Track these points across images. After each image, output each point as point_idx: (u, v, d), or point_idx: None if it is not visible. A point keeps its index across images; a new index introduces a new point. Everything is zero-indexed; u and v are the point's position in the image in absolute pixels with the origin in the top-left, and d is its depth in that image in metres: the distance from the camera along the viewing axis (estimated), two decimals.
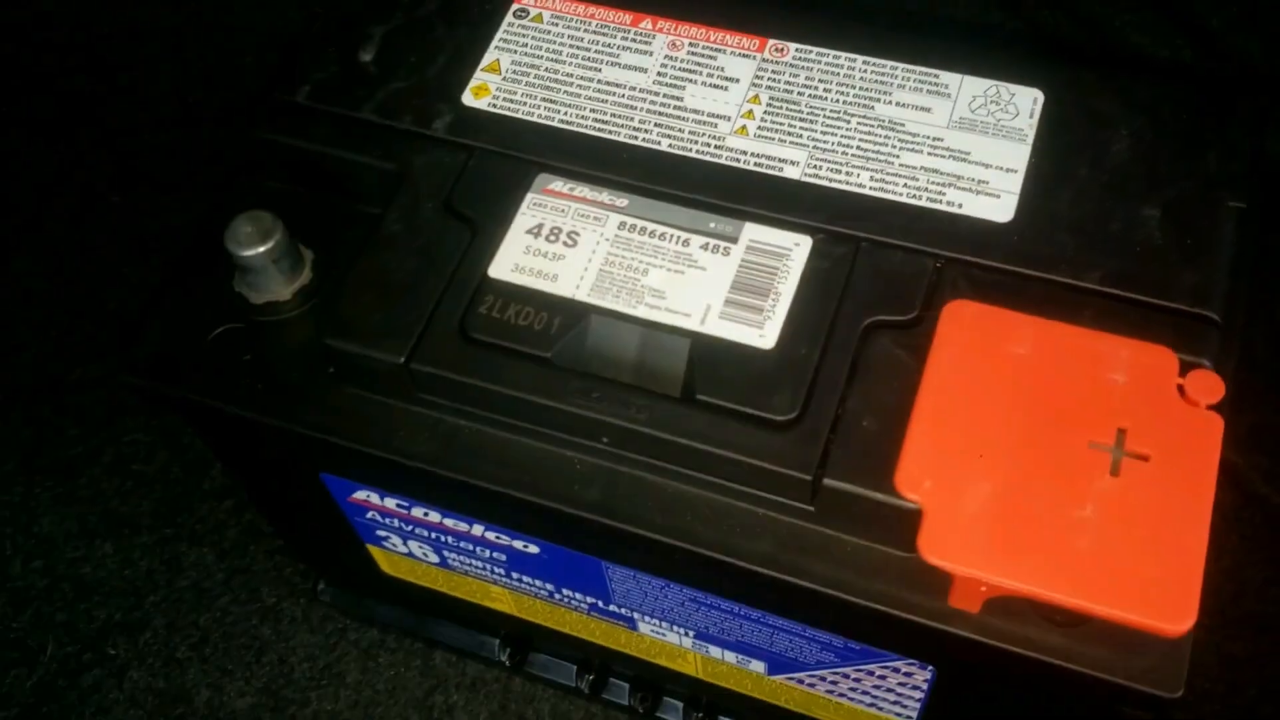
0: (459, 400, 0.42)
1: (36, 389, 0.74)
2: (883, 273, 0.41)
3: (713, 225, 0.43)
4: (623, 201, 0.44)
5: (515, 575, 0.50)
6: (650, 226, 0.43)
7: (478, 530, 0.48)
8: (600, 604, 0.50)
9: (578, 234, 0.43)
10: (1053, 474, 0.36)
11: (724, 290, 0.41)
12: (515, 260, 0.42)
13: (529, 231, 0.43)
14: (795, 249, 0.42)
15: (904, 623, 0.38)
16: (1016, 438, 0.37)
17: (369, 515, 0.50)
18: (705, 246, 0.42)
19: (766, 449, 0.38)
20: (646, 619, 0.49)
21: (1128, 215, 0.41)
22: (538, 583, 0.50)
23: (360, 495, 0.49)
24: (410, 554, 0.53)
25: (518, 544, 0.47)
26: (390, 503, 0.48)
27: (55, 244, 0.80)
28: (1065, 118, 0.44)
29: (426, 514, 0.48)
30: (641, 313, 0.41)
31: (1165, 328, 0.39)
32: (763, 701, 0.53)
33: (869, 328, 0.40)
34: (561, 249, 0.43)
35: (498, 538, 0.48)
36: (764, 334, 0.40)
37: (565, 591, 0.50)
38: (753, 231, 0.42)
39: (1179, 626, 0.34)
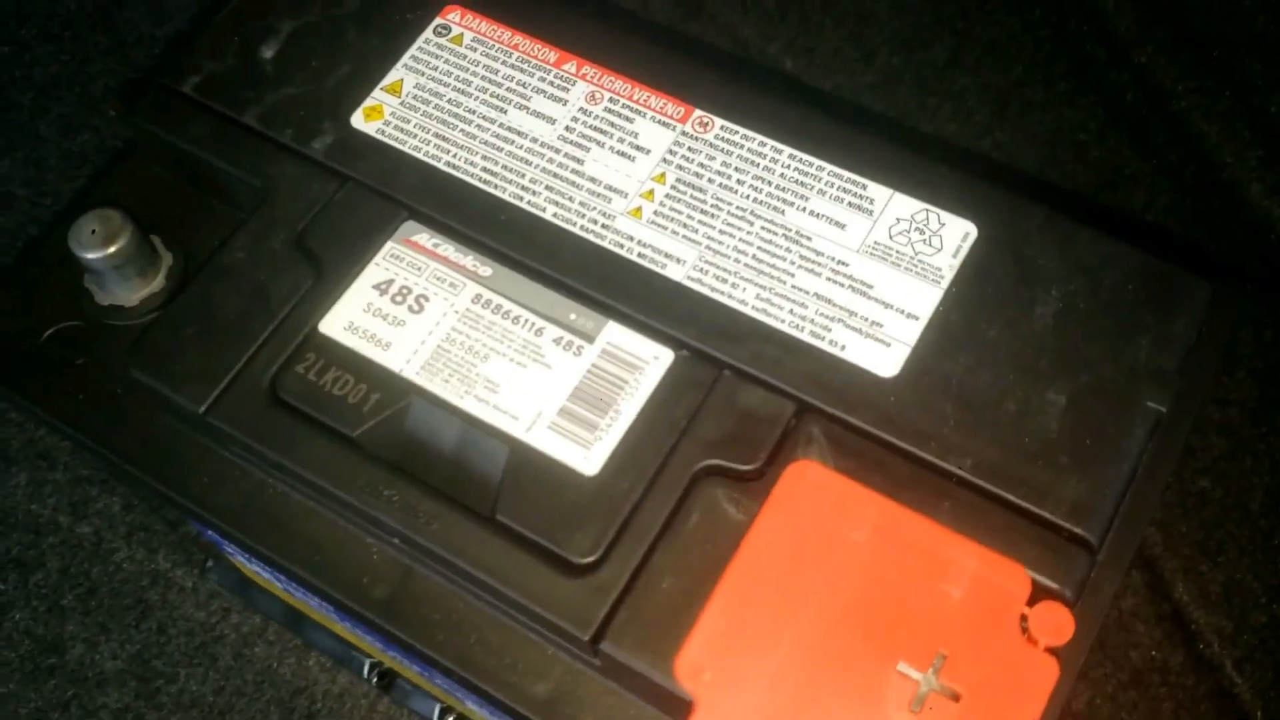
0: (250, 460, 0.38)
1: None
2: (736, 410, 0.36)
3: (573, 318, 0.38)
4: (486, 270, 0.39)
5: (348, 624, 0.48)
6: (506, 306, 0.39)
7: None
8: (428, 674, 0.47)
9: (426, 299, 0.39)
10: (845, 695, 0.32)
11: (562, 397, 0.37)
12: (351, 318, 0.39)
13: (376, 287, 0.39)
14: (653, 363, 0.37)
15: None
16: (821, 640, 0.33)
17: (209, 531, 0.48)
18: (558, 341, 0.38)
19: (553, 595, 0.34)
20: (469, 697, 0.46)
21: (1027, 397, 0.36)
22: (368, 638, 0.47)
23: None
24: (259, 573, 0.50)
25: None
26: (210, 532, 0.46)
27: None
28: (993, 263, 0.38)
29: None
30: (468, 405, 0.37)
31: (1031, 543, 0.34)
32: None
33: (703, 471, 0.36)
34: (405, 313, 0.39)
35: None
36: (589, 456, 0.36)
37: (392, 653, 0.47)
38: (613, 333, 0.38)
39: None
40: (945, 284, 0.38)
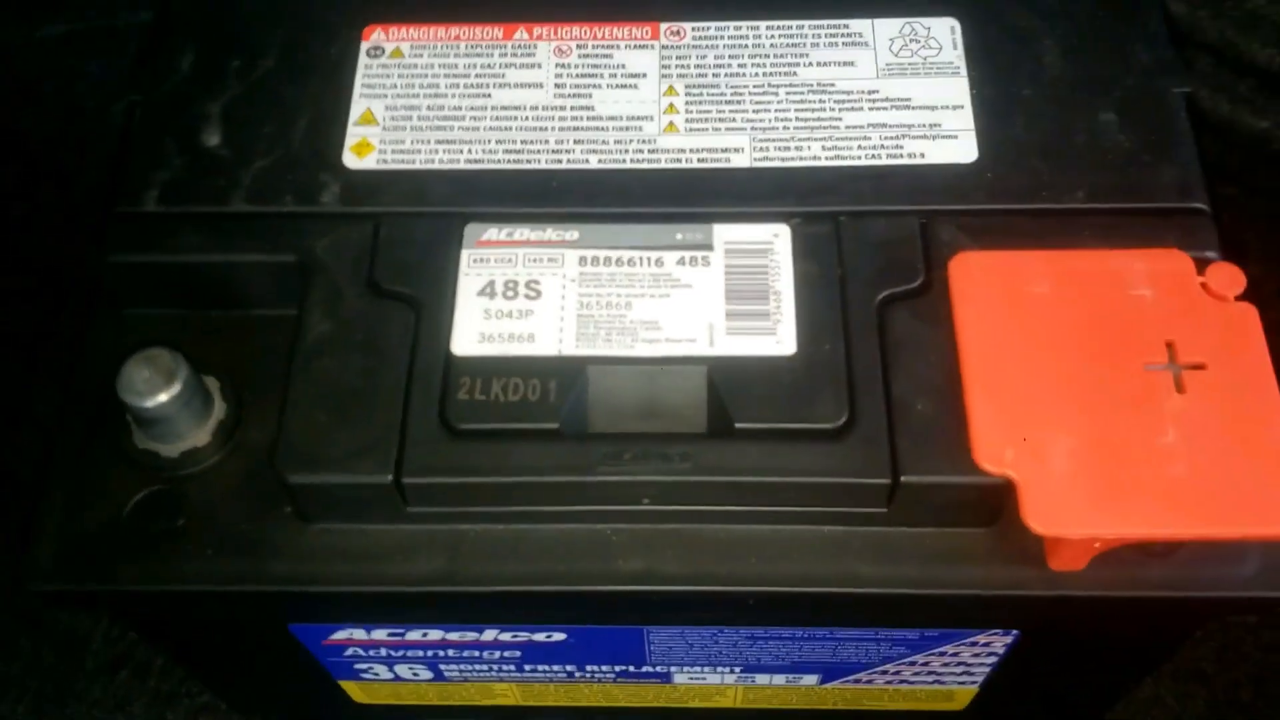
0: (459, 504, 0.36)
1: None
2: (873, 243, 0.38)
3: (680, 236, 0.39)
4: (572, 234, 0.39)
5: (529, 668, 0.45)
6: (615, 254, 0.38)
7: (489, 635, 0.42)
8: (632, 669, 0.45)
9: (537, 282, 0.38)
10: (1124, 408, 0.35)
11: (720, 303, 0.37)
12: (478, 329, 0.37)
13: (481, 293, 0.38)
14: (776, 240, 0.38)
15: (1003, 599, 0.36)
16: (1073, 380, 0.35)
17: (348, 653, 0.44)
18: (682, 261, 0.38)
19: (830, 463, 0.35)
20: (685, 669, 0.45)
21: (1087, 125, 0.40)
22: (556, 668, 0.45)
23: (340, 636, 0.42)
24: (396, 678, 0.46)
25: (539, 637, 0.42)
26: (379, 634, 0.42)
27: None
28: (988, 41, 0.42)
29: (425, 634, 0.42)
30: (641, 351, 0.37)
31: (1163, 229, 0.38)
32: (805, 710, 0.50)
33: (882, 304, 0.37)
34: (525, 303, 0.37)
35: (513, 637, 0.42)
36: (780, 339, 0.36)
37: (590, 668, 0.45)
38: (725, 232, 0.39)
39: None
40: (964, 72, 0.41)
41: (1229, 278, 0.37)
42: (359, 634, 0.42)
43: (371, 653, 0.44)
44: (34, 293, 0.69)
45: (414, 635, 0.42)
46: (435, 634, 0.42)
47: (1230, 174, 0.70)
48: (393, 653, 0.44)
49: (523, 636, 0.42)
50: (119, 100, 0.78)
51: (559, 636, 0.42)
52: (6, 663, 0.60)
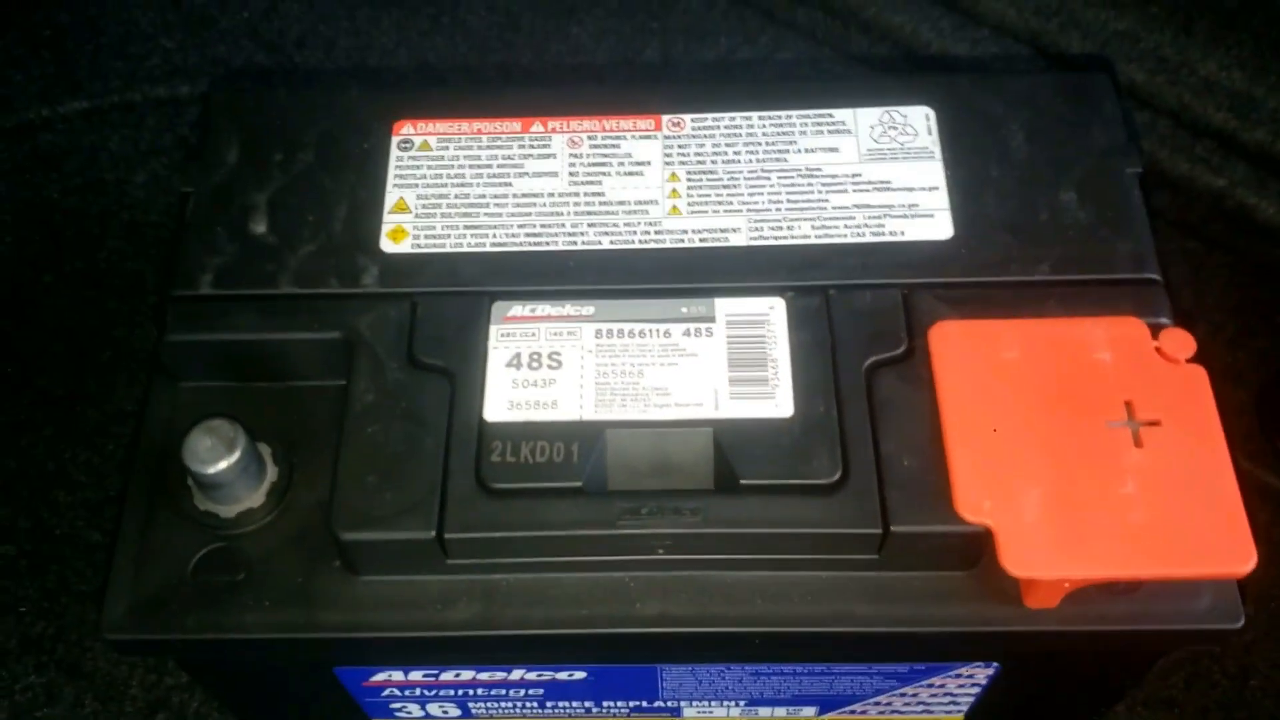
0: (494, 555, 0.40)
1: None
2: (860, 314, 0.42)
3: (685, 310, 0.43)
4: (589, 309, 0.43)
5: (551, 704, 0.49)
6: (627, 327, 0.42)
7: (516, 675, 0.46)
8: (645, 704, 0.49)
9: (559, 354, 0.42)
10: (1088, 461, 0.39)
11: (723, 370, 0.41)
12: (508, 397, 0.41)
13: (509, 364, 0.42)
14: (772, 312, 0.43)
15: (984, 635, 0.40)
16: (1043, 437, 0.39)
17: (385, 693, 0.47)
18: (688, 332, 0.42)
19: (827, 515, 0.39)
20: (694, 703, 0.49)
21: (1050, 203, 0.45)
22: (576, 704, 0.49)
23: (379, 678, 0.46)
24: (426, 716, 0.50)
25: (561, 675, 0.46)
26: (416, 675, 0.46)
27: None
28: (960, 127, 0.47)
29: (458, 675, 0.46)
30: (653, 415, 0.41)
31: (1120, 298, 0.43)
32: None
33: (870, 369, 0.41)
34: (548, 373, 0.42)
35: (538, 676, 0.46)
36: (778, 402, 0.41)
37: (607, 703, 0.49)
38: (725, 306, 0.43)
39: (1245, 566, 0.37)
40: (939, 155, 0.46)
41: (1181, 342, 0.41)
42: (397, 675, 0.46)
43: (407, 692, 0.47)
44: (64, 356, 0.73)
45: (448, 676, 0.46)
46: (467, 674, 0.46)
47: (1191, 229, 0.75)
48: (426, 692, 0.47)
49: (547, 675, 0.46)
50: (138, 172, 0.82)
51: (580, 675, 0.46)
52: (51, 708, 0.63)
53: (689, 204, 0.45)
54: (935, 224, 0.44)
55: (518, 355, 0.42)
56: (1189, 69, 0.73)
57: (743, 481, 0.39)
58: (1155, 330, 0.41)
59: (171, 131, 0.79)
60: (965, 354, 0.41)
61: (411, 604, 0.40)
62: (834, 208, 0.45)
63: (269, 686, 0.49)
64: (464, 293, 0.43)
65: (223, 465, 0.40)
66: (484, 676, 0.46)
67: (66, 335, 0.74)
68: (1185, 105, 0.74)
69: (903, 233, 0.44)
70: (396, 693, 0.47)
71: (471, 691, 0.47)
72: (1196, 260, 0.75)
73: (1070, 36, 0.76)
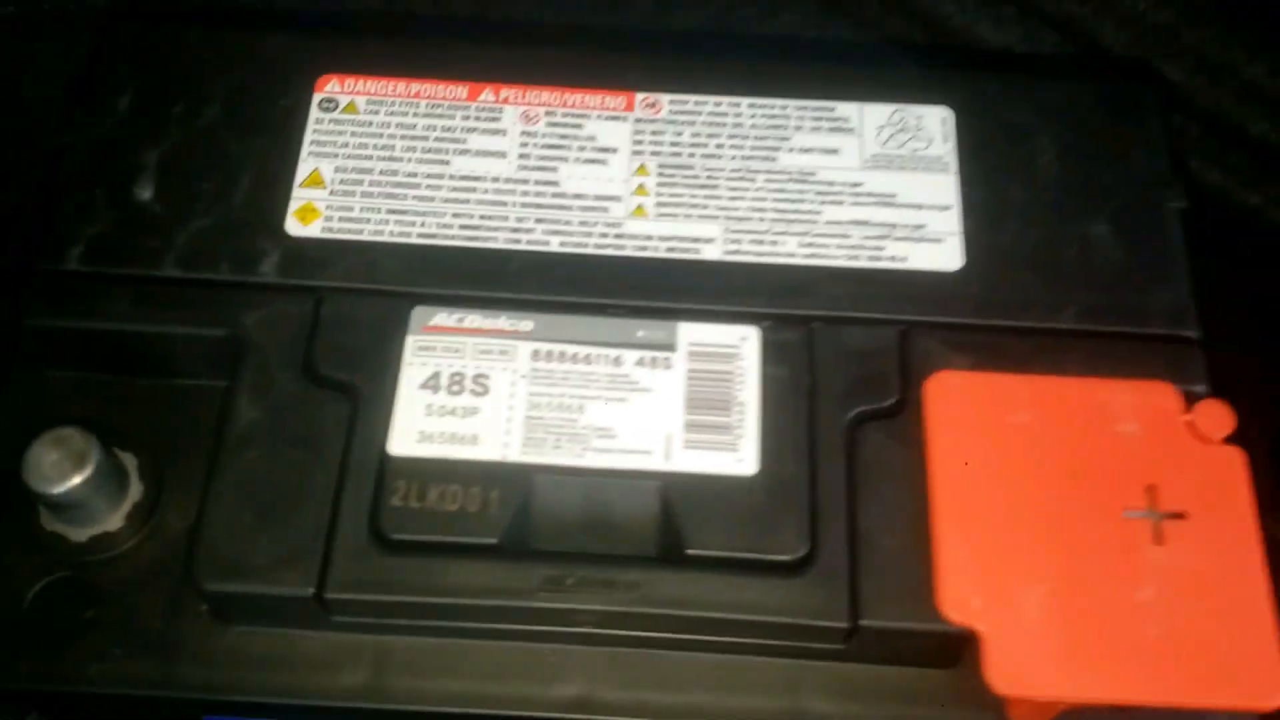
0: (387, 616, 0.34)
1: None
2: (847, 354, 0.36)
3: (641, 334, 0.36)
4: (526, 324, 0.36)
5: None
6: (570, 350, 0.36)
7: None
8: None
9: (486, 377, 0.35)
10: (1100, 558, 0.33)
11: (679, 411, 0.35)
12: (417, 427, 0.34)
13: (424, 386, 0.35)
14: (743, 344, 0.36)
15: None
16: (1048, 523, 0.33)
17: None
18: (641, 362, 0.36)
19: (787, 601, 0.33)
20: None
21: (1079, 237, 0.38)
22: None
23: None
24: None
25: None
26: None
27: None
28: (982, 136, 0.40)
29: None
30: (591, 461, 0.34)
31: (1151, 357, 0.36)
32: None
33: (852, 423, 0.35)
34: (471, 400, 0.35)
35: None
36: (740, 456, 0.34)
37: None
38: (689, 332, 0.36)
39: (1271, 702, 0.32)
40: (954, 168, 0.39)
41: (1217, 418, 0.35)
42: None
43: None
44: None
45: None
46: None
47: (1214, 247, 0.69)
48: None
49: None
50: (65, 86, 0.73)
51: None
52: None
53: (657, 204, 0.38)
54: (944, 251, 0.38)
55: (436, 375, 0.35)
56: (1232, 72, 0.66)
57: (689, 552, 0.33)
58: (1189, 399, 0.35)
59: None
60: (966, 412, 0.35)
61: (289, 664, 0.34)
62: (827, 222, 0.38)
63: None
64: (379, 292, 0.37)
65: (69, 485, 0.33)
66: None
67: None
68: (1223, 111, 0.67)
69: (905, 259, 0.37)
70: None
71: None
72: (1218, 282, 0.69)
73: (1104, 24, 0.69)
